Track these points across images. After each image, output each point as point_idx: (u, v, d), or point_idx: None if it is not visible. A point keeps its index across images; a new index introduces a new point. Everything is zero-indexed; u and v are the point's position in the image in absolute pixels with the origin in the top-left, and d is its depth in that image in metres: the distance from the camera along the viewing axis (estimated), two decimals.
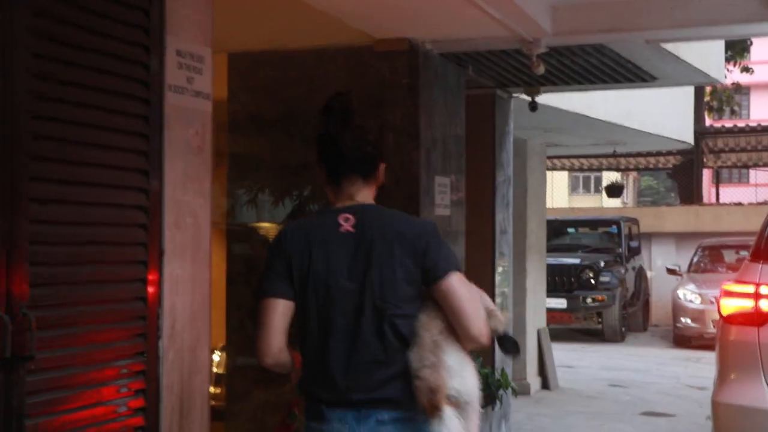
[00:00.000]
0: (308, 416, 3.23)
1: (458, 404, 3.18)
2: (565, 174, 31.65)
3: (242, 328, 6.51)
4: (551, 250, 14.92)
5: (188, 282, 3.96)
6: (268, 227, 6.90)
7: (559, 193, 31.39)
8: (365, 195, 3.31)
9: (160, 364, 3.78)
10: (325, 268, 3.19)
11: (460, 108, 7.13)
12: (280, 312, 3.20)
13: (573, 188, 38.20)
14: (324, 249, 3.21)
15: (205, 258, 4.09)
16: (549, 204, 15.09)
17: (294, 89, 6.54)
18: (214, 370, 7.45)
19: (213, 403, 7.06)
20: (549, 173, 17.71)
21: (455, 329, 3.21)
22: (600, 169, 25.35)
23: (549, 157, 14.91)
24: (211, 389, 7.41)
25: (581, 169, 25.49)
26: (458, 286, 3.22)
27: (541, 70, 6.51)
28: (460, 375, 3.21)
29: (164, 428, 3.80)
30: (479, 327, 3.22)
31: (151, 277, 3.72)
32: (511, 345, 3.57)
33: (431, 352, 3.17)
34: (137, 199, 3.69)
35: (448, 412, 3.14)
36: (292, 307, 3.22)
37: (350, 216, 3.22)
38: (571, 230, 18.79)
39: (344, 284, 3.17)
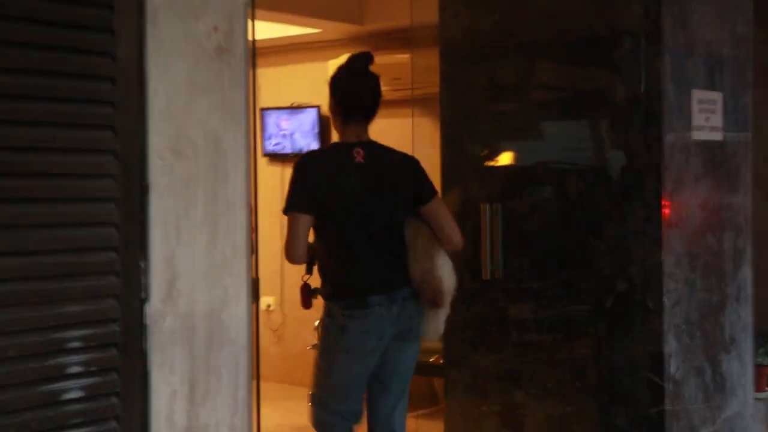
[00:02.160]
0: (351, 306, 4.00)
1: (446, 295, 4.12)
2: None
3: None
4: None
5: (202, 226, 3.00)
6: None
7: None
8: (366, 133, 4.16)
9: (147, 333, 2.87)
10: (350, 190, 4.02)
11: (741, 2, 5.51)
12: (306, 224, 3.99)
13: None
14: (346, 175, 4.04)
15: (240, 196, 3.11)
16: None
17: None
18: None
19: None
20: None
21: (439, 237, 4.14)
22: None
23: None
24: None
25: None
26: (441, 204, 4.24)
27: None
28: (449, 275, 4.13)
29: (159, 416, 2.91)
30: (458, 234, 4.18)
31: (125, 219, 2.82)
32: None
33: (427, 260, 4.08)
34: (100, 116, 2.77)
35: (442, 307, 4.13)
36: (312, 220, 4.01)
37: (361, 150, 4.08)
38: None
39: (365, 203, 4.03)
